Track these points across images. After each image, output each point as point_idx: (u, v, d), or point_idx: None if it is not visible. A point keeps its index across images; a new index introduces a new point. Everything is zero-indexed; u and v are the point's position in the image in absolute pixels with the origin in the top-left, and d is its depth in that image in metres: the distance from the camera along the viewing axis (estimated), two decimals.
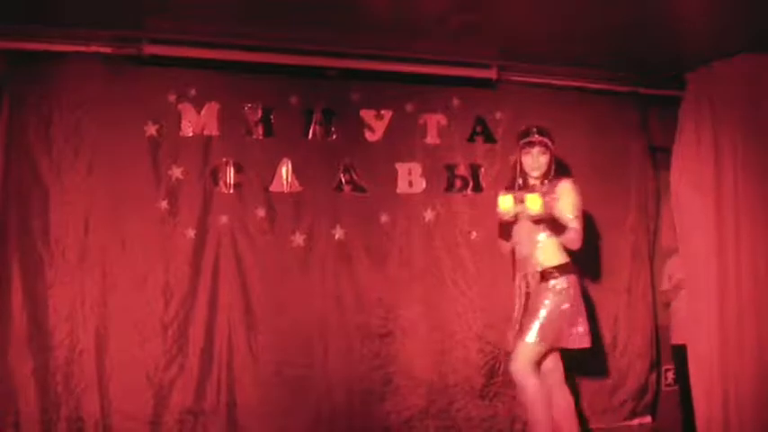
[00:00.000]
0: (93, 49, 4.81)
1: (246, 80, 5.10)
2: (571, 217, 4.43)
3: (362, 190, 5.32)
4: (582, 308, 4.49)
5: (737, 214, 5.25)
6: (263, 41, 4.95)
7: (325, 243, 5.23)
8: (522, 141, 4.56)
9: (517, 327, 4.46)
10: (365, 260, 5.30)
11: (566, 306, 4.39)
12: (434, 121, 5.48)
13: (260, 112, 5.14)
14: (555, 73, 5.73)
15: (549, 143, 4.56)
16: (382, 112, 5.37)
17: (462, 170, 5.56)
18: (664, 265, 6.09)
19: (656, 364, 6.09)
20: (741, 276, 5.23)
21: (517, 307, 4.52)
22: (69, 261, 4.75)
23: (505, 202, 4.36)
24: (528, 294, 4.47)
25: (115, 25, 4.68)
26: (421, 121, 5.48)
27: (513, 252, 4.70)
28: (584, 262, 5.80)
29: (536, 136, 4.53)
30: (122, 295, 4.82)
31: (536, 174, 4.53)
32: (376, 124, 5.36)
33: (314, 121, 5.23)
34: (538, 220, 4.35)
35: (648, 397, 6.06)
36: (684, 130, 5.65)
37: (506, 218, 4.41)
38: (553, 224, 4.37)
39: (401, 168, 5.42)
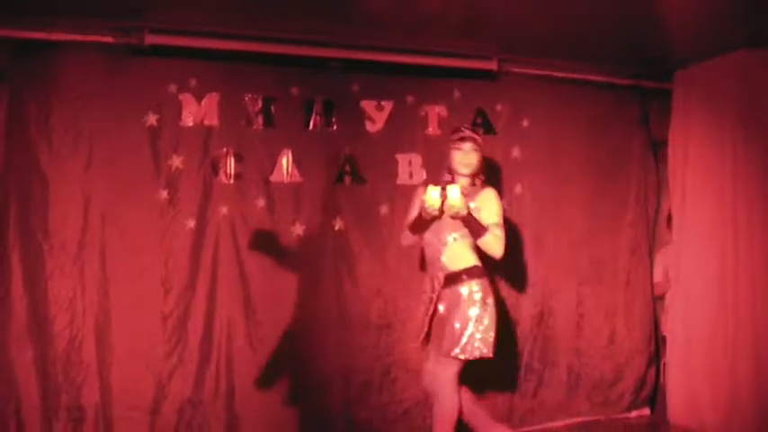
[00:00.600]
0: (94, 38, 4.77)
1: (247, 70, 5.08)
2: (494, 222, 4.33)
3: (363, 181, 5.32)
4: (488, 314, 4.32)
5: (736, 209, 5.28)
6: (263, 32, 4.93)
7: (324, 234, 5.23)
8: (453, 137, 4.48)
9: (423, 334, 4.43)
10: (365, 251, 5.30)
11: (479, 312, 4.28)
12: (435, 113, 5.48)
13: (260, 103, 5.12)
14: (556, 65, 5.72)
15: (480, 142, 4.48)
16: (383, 103, 5.36)
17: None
18: (656, 255, 6.15)
19: (654, 358, 6.11)
20: (738, 269, 5.25)
21: (423, 311, 4.45)
22: (69, 251, 4.74)
23: (432, 196, 4.14)
24: (434, 299, 4.38)
25: (116, 15, 4.66)
26: (422, 113, 5.47)
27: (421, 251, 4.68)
28: (584, 255, 5.86)
29: (468, 132, 4.47)
30: (122, 285, 4.81)
31: (466, 171, 4.44)
32: (377, 115, 5.35)
33: (314, 111, 5.22)
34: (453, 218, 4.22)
35: (647, 390, 6.10)
36: (675, 126, 5.70)
37: (431, 213, 4.19)
38: (468, 226, 4.24)
39: (402, 159, 5.42)
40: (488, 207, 4.37)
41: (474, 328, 4.25)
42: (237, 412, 4.96)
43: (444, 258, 4.37)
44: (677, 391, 5.69)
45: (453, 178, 4.48)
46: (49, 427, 4.63)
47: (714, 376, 5.39)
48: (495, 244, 4.30)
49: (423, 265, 4.72)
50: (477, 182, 4.51)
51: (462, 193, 4.17)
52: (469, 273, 4.34)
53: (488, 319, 4.29)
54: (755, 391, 5.11)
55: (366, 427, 5.16)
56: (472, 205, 4.27)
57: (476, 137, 4.46)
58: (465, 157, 4.42)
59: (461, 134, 4.45)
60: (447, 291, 4.35)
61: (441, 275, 4.37)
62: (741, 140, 5.23)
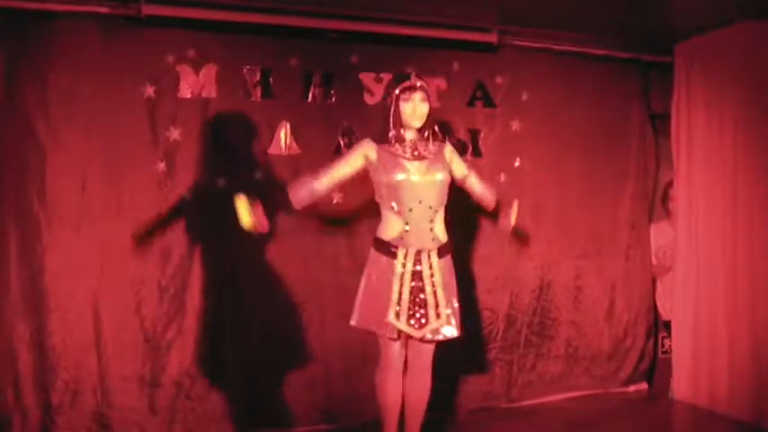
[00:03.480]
0: (90, 9, 4.72)
1: (245, 42, 5.04)
2: (467, 171, 4.22)
3: None
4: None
5: (736, 183, 5.27)
6: (262, 2, 4.91)
7: (322, 206, 5.18)
8: (400, 86, 4.04)
9: (408, 311, 4.01)
10: (363, 223, 5.26)
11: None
12: (434, 85, 5.43)
13: (259, 75, 5.08)
14: (556, 38, 5.70)
15: (428, 90, 4.11)
16: (381, 75, 5.31)
17: (461, 134, 5.53)
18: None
19: (652, 332, 6.12)
20: (738, 245, 5.26)
21: (399, 288, 4.02)
22: (66, 223, 4.70)
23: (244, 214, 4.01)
24: (417, 273, 4.03)
25: None
26: None
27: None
28: (583, 228, 5.86)
29: (417, 80, 4.05)
30: (119, 257, 4.78)
31: (417, 123, 4.04)
32: (375, 87, 5.30)
33: (313, 83, 5.18)
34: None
35: (645, 364, 6.12)
36: (678, 99, 5.69)
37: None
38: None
39: None
40: (457, 159, 4.23)
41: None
42: (235, 385, 4.95)
43: (437, 229, 4.09)
44: (681, 367, 5.69)
45: (398, 133, 4.07)
46: (47, 399, 4.62)
47: (715, 352, 5.40)
48: (493, 193, 4.31)
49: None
50: (427, 134, 4.12)
51: (418, 157, 4.03)
52: (449, 245, 4.17)
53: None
54: (755, 367, 5.12)
55: (362, 400, 5.14)
56: (440, 176, 4.06)
57: (425, 85, 4.09)
58: (417, 109, 4.03)
59: (410, 83, 4.05)
60: (438, 264, 4.08)
61: (431, 246, 4.07)
62: (743, 113, 5.21)
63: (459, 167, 4.25)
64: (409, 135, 4.11)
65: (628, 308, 6.02)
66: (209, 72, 4.98)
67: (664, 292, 6.09)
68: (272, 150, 5.11)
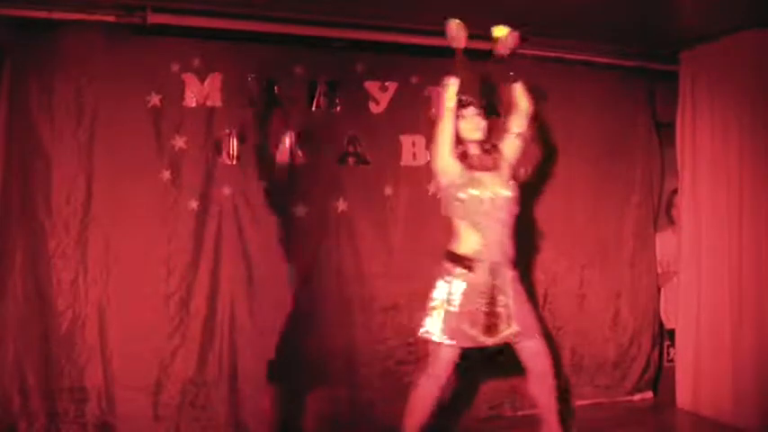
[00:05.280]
0: (96, 17, 4.75)
1: (250, 50, 5.06)
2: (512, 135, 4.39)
3: (366, 162, 5.29)
4: None
5: (742, 193, 5.26)
6: (267, 11, 4.91)
7: (328, 215, 5.21)
8: (456, 106, 4.23)
9: (483, 322, 4.17)
10: (369, 233, 5.28)
11: None
12: (439, 94, 5.43)
13: (264, 83, 5.09)
14: (562, 46, 5.68)
15: (480, 106, 4.31)
16: (387, 83, 5.32)
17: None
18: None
19: (658, 341, 6.11)
20: (743, 253, 5.25)
21: (474, 300, 4.16)
22: (71, 231, 4.73)
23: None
24: (491, 286, 4.17)
25: None
26: (426, 94, 5.43)
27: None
28: (588, 237, 5.85)
29: (466, 97, 4.28)
30: (124, 266, 4.80)
31: (477, 135, 4.27)
32: (380, 96, 5.32)
33: (318, 92, 5.19)
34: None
35: (650, 372, 6.10)
36: (683, 108, 5.68)
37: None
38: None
39: (405, 141, 5.39)
40: (506, 144, 4.40)
41: None
42: (240, 393, 4.96)
43: (507, 243, 4.25)
44: (685, 376, 5.68)
45: (465, 150, 4.27)
46: (52, 406, 4.64)
47: (720, 361, 5.39)
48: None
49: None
50: (488, 147, 4.33)
51: (485, 168, 4.21)
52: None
53: None
54: (760, 375, 5.11)
55: (368, 409, 5.14)
56: (506, 193, 4.24)
57: (474, 101, 4.29)
58: (471, 122, 4.27)
59: (462, 100, 4.26)
60: (511, 276, 4.28)
61: (503, 260, 4.23)
62: (748, 122, 5.20)
63: (510, 144, 4.41)
64: (472, 150, 4.29)
65: (633, 317, 6.00)
66: (214, 81, 5.00)
67: (668, 300, 6.07)
68: (277, 159, 5.11)
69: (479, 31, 5.30)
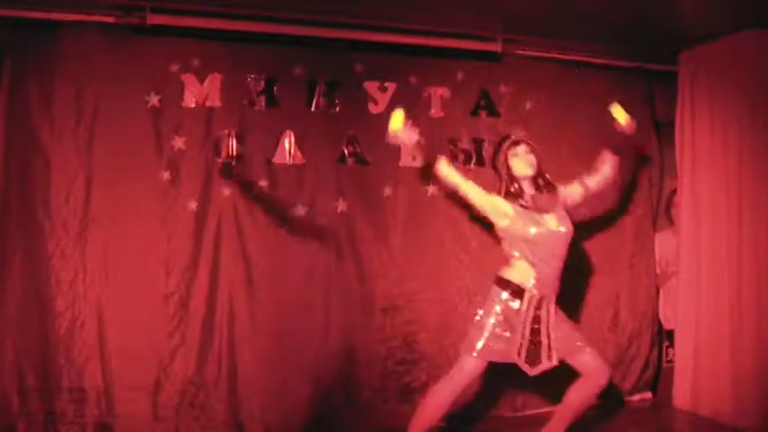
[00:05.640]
0: (96, 18, 4.76)
1: (250, 51, 5.06)
2: (582, 184, 4.60)
3: (365, 162, 5.29)
4: None
5: (740, 193, 5.27)
6: (266, 12, 4.91)
7: (327, 216, 5.21)
8: (504, 144, 4.44)
9: (527, 350, 4.30)
10: (368, 233, 5.28)
11: None
12: (438, 94, 5.45)
13: (263, 84, 5.10)
14: (560, 47, 5.70)
15: (531, 144, 4.45)
16: (386, 84, 5.32)
17: (465, 144, 5.53)
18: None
19: (657, 341, 6.10)
20: (743, 253, 5.25)
21: (522, 328, 4.28)
22: (71, 231, 4.73)
23: (396, 119, 4.33)
24: (537, 317, 4.30)
25: None
26: (425, 94, 5.44)
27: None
28: (588, 237, 5.84)
29: (517, 135, 4.49)
30: (124, 266, 4.81)
31: (530, 171, 4.37)
32: (380, 96, 5.32)
33: (317, 92, 5.19)
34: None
35: (649, 373, 6.09)
36: (682, 108, 5.69)
37: (395, 140, 4.39)
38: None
39: None
40: (569, 189, 4.58)
41: None
42: (240, 393, 4.96)
43: (559, 277, 4.43)
44: (683, 376, 5.68)
45: (519, 187, 4.38)
46: (51, 406, 4.64)
47: (719, 361, 5.39)
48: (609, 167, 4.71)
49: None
50: (542, 182, 4.42)
51: (541, 210, 4.34)
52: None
53: None
54: (760, 375, 5.11)
55: (368, 410, 5.14)
56: (563, 229, 4.37)
57: (525, 139, 4.45)
58: (524, 159, 4.37)
59: (513, 138, 4.44)
60: (556, 309, 4.42)
61: (552, 293, 4.39)
62: (747, 122, 5.20)
63: (574, 193, 4.58)
64: (526, 187, 4.39)
65: (632, 317, 5.99)
66: (213, 81, 5.00)
67: (667, 301, 6.07)
68: (276, 159, 5.12)
69: (480, 31, 5.36)
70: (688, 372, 5.64)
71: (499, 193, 4.40)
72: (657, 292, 6.13)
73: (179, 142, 4.93)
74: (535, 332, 4.29)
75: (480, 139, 5.55)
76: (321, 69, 5.20)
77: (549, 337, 4.31)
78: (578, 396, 4.45)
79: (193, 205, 4.94)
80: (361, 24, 5.11)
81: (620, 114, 4.67)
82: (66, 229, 4.73)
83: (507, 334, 4.28)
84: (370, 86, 5.32)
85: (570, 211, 4.55)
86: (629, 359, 5.98)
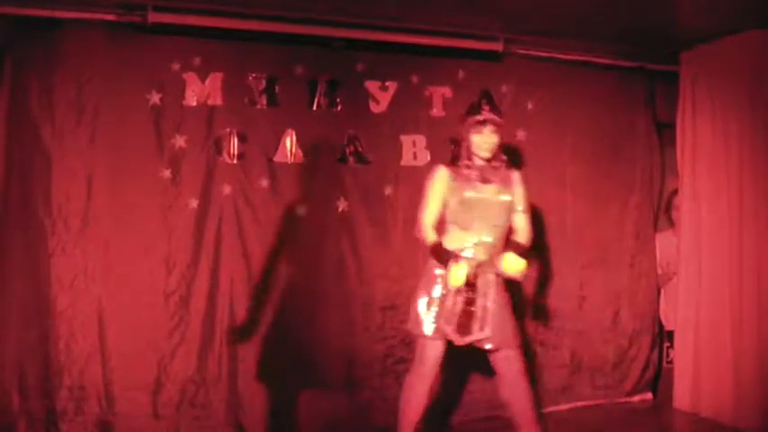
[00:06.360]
0: (97, 16, 4.75)
1: (251, 49, 5.06)
2: (522, 208, 4.34)
3: (367, 162, 5.29)
4: None
5: (741, 193, 5.27)
6: (268, 10, 4.91)
7: (328, 215, 5.21)
8: (472, 119, 4.22)
9: (458, 320, 4.13)
10: (369, 232, 5.29)
11: None
12: (440, 94, 5.44)
13: (264, 82, 5.09)
14: (561, 47, 5.70)
15: (501, 122, 4.23)
16: (387, 83, 5.32)
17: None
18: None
19: (657, 341, 6.10)
20: (743, 255, 5.25)
21: (453, 296, 4.13)
22: (71, 229, 4.72)
23: (458, 277, 3.99)
24: (472, 285, 4.11)
25: None
26: (426, 93, 5.44)
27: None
28: (588, 238, 5.85)
29: (489, 114, 4.21)
30: (124, 264, 4.81)
31: (486, 155, 4.22)
32: (381, 95, 5.32)
33: (318, 91, 5.19)
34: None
35: (649, 373, 6.09)
36: (683, 108, 5.69)
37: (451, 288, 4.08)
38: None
39: (406, 140, 5.39)
40: (519, 193, 4.34)
41: None
42: (240, 391, 4.96)
43: (498, 246, 4.22)
44: (684, 376, 5.67)
45: (471, 160, 4.26)
46: (51, 405, 4.64)
47: (720, 362, 5.38)
48: (530, 233, 4.37)
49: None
50: (497, 163, 4.28)
51: (485, 181, 4.20)
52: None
53: None
54: (761, 375, 5.11)
55: (367, 409, 5.14)
56: (506, 198, 4.23)
57: (496, 118, 4.21)
58: (485, 141, 4.21)
59: (481, 117, 4.20)
60: (495, 280, 4.21)
61: (487, 264, 4.18)
62: (749, 122, 5.20)
63: (519, 200, 4.36)
64: (479, 163, 4.27)
65: (632, 317, 5.99)
66: (214, 80, 5.00)
67: (667, 302, 6.07)
68: (277, 158, 5.12)
69: (481, 31, 5.36)
70: (688, 372, 5.63)
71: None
72: (658, 293, 6.14)
73: (180, 141, 4.93)
74: (470, 302, 4.14)
75: None
76: (322, 68, 5.20)
77: (485, 308, 4.16)
78: (514, 395, 4.33)
79: (194, 204, 4.94)
80: (363, 24, 5.12)
81: (508, 266, 4.15)
82: (67, 227, 4.72)
83: (444, 306, 4.14)
84: (372, 86, 5.32)
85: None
86: (629, 359, 5.99)
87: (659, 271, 6.11)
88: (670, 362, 6.05)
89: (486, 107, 4.23)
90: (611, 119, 5.96)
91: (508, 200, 4.25)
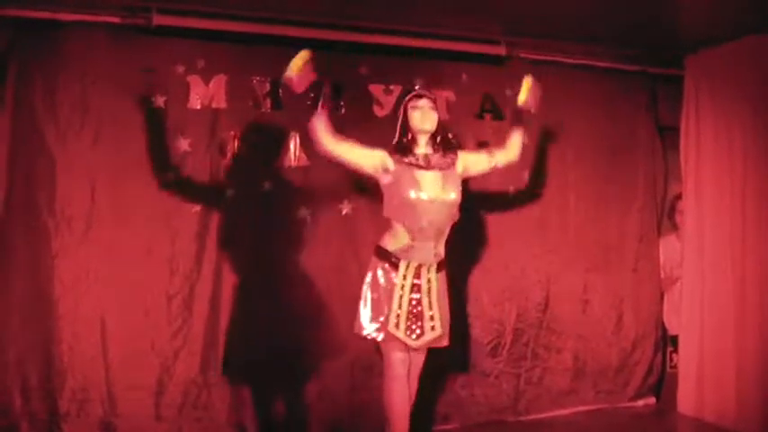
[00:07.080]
0: (101, 18, 4.76)
1: (255, 52, 5.06)
2: (491, 155, 4.39)
3: None
4: None
5: (744, 197, 5.27)
6: (272, 13, 4.93)
7: (331, 218, 5.21)
8: (408, 96, 4.21)
9: (407, 322, 4.08)
10: (372, 236, 5.25)
11: None
12: (443, 98, 5.44)
13: (268, 85, 5.10)
14: (564, 50, 5.71)
15: (435, 100, 4.22)
16: (391, 87, 5.33)
17: (470, 147, 5.50)
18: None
19: (660, 346, 6.09)
20: (747, 260, 5.25)
21: (399, 298, 4.08)
22: (75, 231, 4.72)
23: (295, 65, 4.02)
24: (416, 286, 4.09)
25: None
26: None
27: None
28: (591, 242, 5.85)
29: (422, 89, 4.26)
30: (128, 266, 4.80)
31: (429, 126, 4.11)
32: (385, 99, 5.32)
33: (323, 94, 5.18)
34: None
35: (653, 378, 6.09)
36: (687, 112, 5.69)
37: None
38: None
39: None
40: (472, 159, 4.33)
41: None
42: (242, 393, 4.96)
43: (440, 245, 4.17)
44: (687, 381, 5.66)
45: (413, 139, 4.15)
46: (54, 406, 4.64)
47: (723, 366, 5.38)
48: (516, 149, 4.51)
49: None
50: (439, 141, 4.19)
51: (430, 167, 4.09)
52: (445, 260, 4.25)
53: None
54: (764, 380, 5.10)
55: (367, 410, 5.13)
56: (451, 196, 4.10)
57: (429, 94, 4.22)
58: (425, 113, 4.12)
59: (418, 91, 4.23)
60: (438, 278, 4.18)
61: (432, 261, 4.14)
62: (752, 126, 5.21)
63: (479, 162, 4.35)
64: (422, 142, 4.17)
65: (636, 322, 5.99)
66: (218, 82, 5.00)
67: (671, 306, 6.06)
68: (281, 161, 5.11)
69: (480, 33, 5.37)
70: (692, 377, 5.63)
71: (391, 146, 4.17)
72: (661, 297, 6.13)
73: (184, 144, 4.93)
74: (416, 303, 4.09)
75: (485, 142, 5.53)
76: (326, 72, 5.18)
77: (431, 307, 4.12)
78: (413, 388, 4.30)
79: (198, 206, 4.94)
80: (367, 27, 5.13)
81: (524, 90, 4.41)
82: (71, 228, 4.71)
83: (393, 307, 4.07)
84: (376, 89, 5.32)
85: (468, 178, 4.44)
86: (632, 364, 5.99)
87: (662, 275, 6.10)
88: (673, 366, 6.04)
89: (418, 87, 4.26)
90: (613, 122, 5.96)
91: (455, 198, 4.13)
